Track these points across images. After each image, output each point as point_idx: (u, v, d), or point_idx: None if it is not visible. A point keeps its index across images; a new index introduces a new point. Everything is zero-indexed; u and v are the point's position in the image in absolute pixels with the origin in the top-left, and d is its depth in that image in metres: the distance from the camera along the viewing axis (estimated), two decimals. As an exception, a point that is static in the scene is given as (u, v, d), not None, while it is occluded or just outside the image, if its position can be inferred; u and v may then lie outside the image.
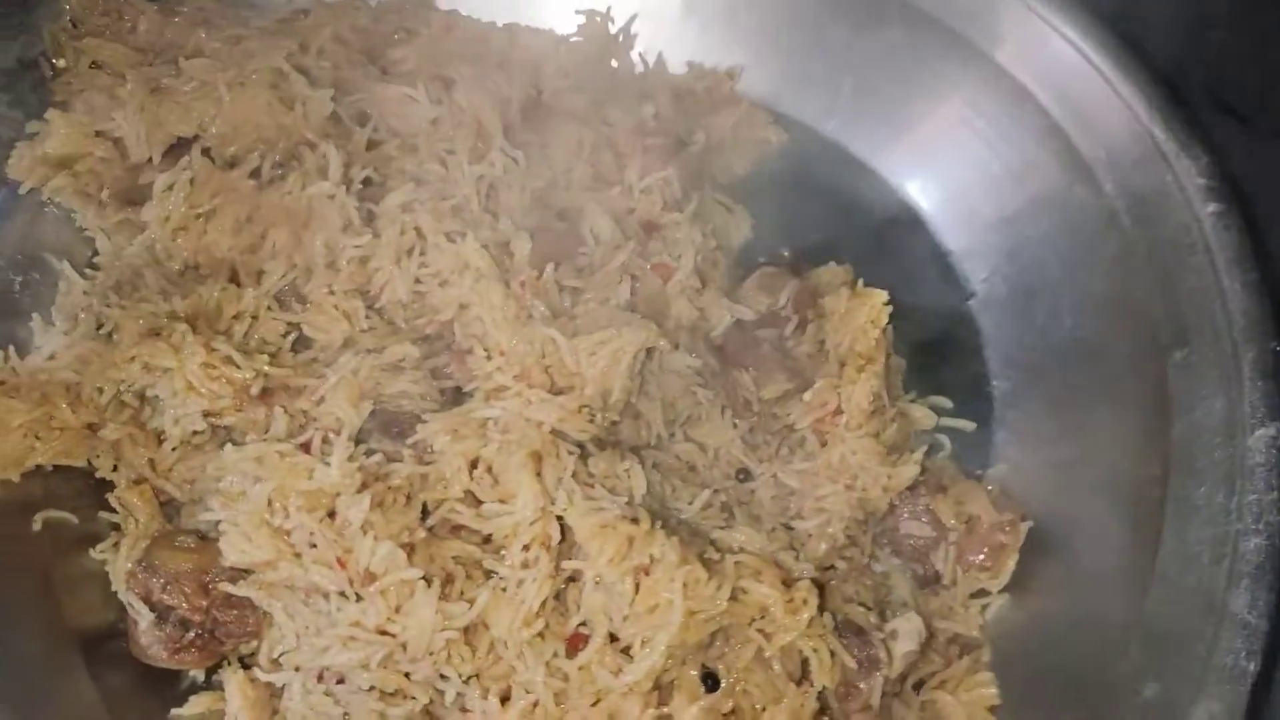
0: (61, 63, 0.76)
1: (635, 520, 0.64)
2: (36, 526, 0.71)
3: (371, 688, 0.63)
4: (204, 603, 0.66)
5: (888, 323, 0.78)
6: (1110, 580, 0.72)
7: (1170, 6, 0.95)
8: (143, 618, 0.66)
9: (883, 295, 0.77)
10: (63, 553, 0.73)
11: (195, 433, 0.69)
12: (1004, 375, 0.84)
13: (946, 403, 0.83)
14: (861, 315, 0.78)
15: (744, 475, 0.78)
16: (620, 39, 0.96)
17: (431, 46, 0.84)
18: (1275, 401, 0.68)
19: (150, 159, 0.74)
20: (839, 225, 0.90)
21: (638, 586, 0.63)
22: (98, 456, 0.73)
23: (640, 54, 0.97)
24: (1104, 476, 0.76)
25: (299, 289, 0.74)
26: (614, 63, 0.96)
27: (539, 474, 0.65)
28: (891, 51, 0.90)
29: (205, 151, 0.75)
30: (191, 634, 0.66)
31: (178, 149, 0.75)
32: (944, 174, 0.90)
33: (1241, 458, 0.68)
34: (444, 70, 0.83)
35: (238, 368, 0.67)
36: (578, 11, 0.95)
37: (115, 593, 0.70)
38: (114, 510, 0.73)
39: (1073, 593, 0.75)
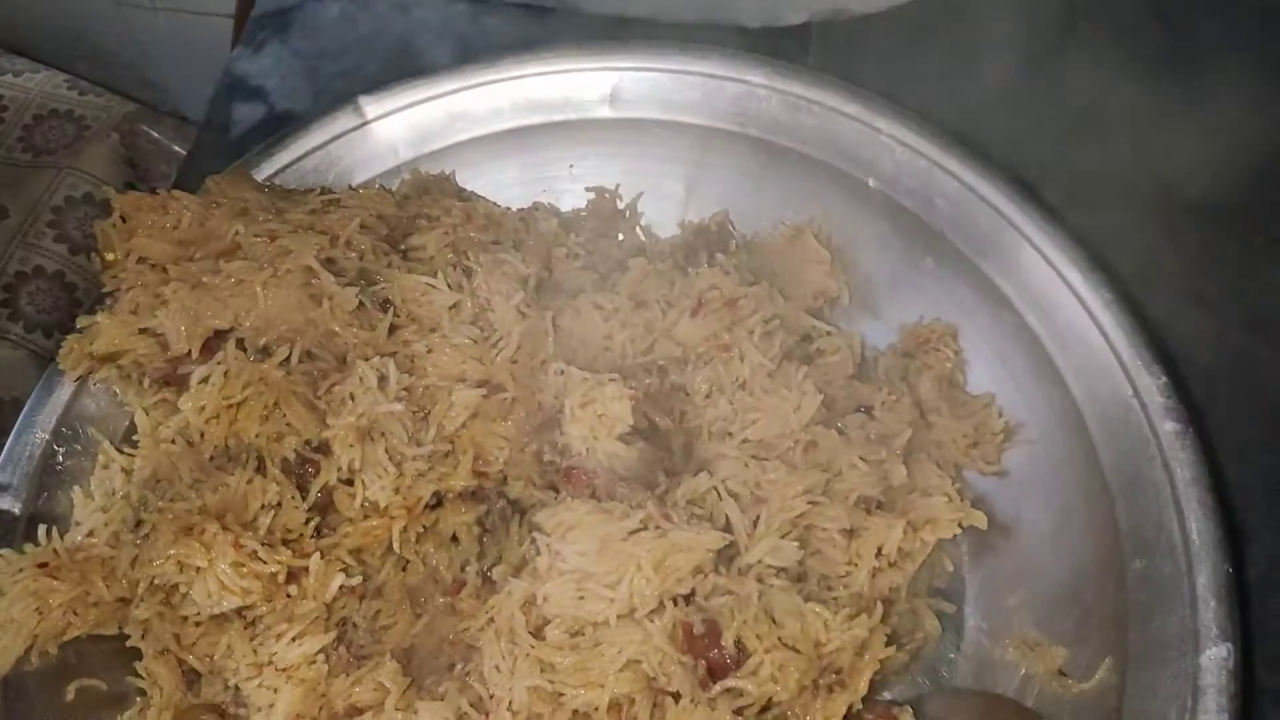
0: (111, 256, 0.83)
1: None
2: (70, 696, 0.77)
3: None
4: (220, 782, 0.72)
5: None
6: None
7: (1151, 197, 1.02)
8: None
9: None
10: (92, 715, 0.78)
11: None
12: (977, 562, 0.89)
13: (950, 607, 0.87)
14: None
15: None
16: (626, 215, 1.03)
17: (452, 234, 0.91)
18: (1226, 623, 0.73)
19: (189, 352, 0.80)
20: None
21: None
22: (127, 624, 0.79)
23: (643, 227, 1.04)
24: (1066, 673, 0.81)
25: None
26: (620, 236, 1.03)
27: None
28: (881, 241, 0.97)
29: (239, 343, 0.82)
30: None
31: (214, 340, 0.82)
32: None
33: (1194, 676, 0.72)
34: (463, 257, 0.89)
35: (264, 562, 0.73)
36: (588, 189, 1.03)
37: (138, 761, 0.76)
38: (140, 676, 0.79)
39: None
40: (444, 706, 0.72)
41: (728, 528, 0.77)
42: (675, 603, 0.74)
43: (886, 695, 0.84)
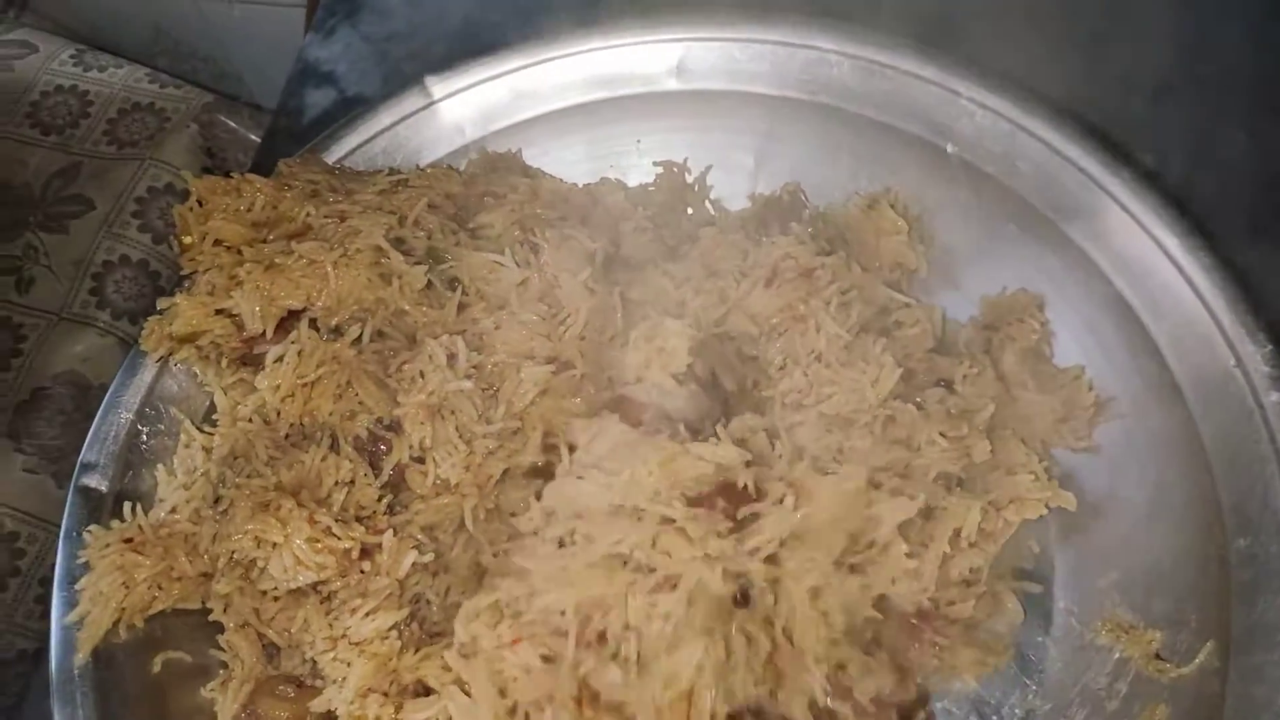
0: (188, 239, 0.84)
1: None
2: (156, 668, 0.79)
3: None
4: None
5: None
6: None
7: (1251, 154, 0.96)
8: (246, 761, 0.74)
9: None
10: (177, 686, 0.80)
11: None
12: (1066, 542, 0.86)
13: (1036, 588, 0.83)
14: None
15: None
16: (695, 189, 1.01)
17: (518, 211, 0.90)
18: (1338, 605, 0.69)
19: (264, 332, 0.81)
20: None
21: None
22: (210, 599, 0.81)
23: (713, 201, 1.02)
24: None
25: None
26: (689, 210, 1.01)
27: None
28: (961, 209, 0.93)
29: (312, 322, 0.83)
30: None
31: (288, 320, 0.83)
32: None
33: (1303, 660, 0.68)
34: (530, 233, 0.89)
35: (338, 538, 0.73)
36: (655, 163, 1.01)
37: (222, 729, 0.78)
38: (222, 649, 0.81)
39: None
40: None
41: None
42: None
43: (973, 682, 0.81)
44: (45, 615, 0.85)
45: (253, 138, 1.41)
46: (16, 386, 1.23)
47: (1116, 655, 0.78)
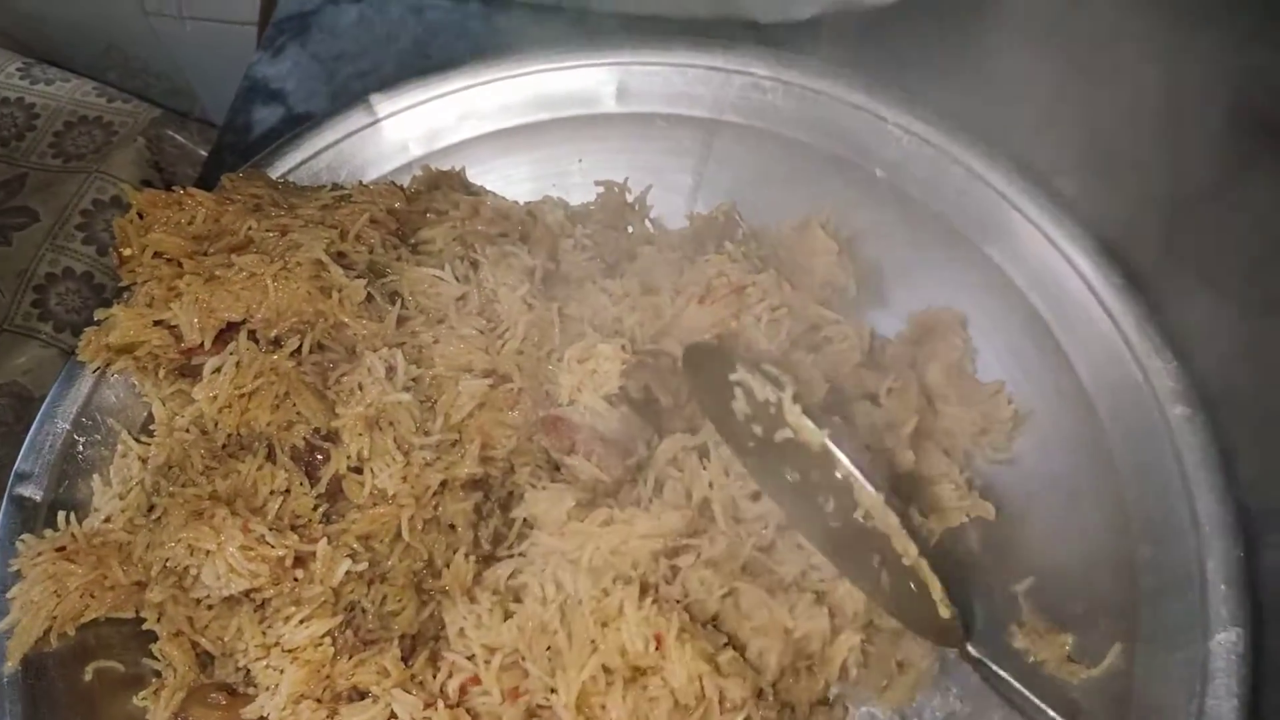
0: (128, 251, 0.85)
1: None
2: (88, 677, 0.79)
3: None
4: (230, 759, 0.73)
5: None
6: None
7: (1163, 180, 1.01)
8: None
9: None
10: (109, 695, 0.80)
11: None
12: (985, 549, 0.88)
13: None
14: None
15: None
16: (635, 208, 1.04)
17: (460, 228, 0.92)
18: (1237, 607, 0.72)
19: (202, 343, 0.82)
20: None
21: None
22: (144, 607, 0.81)
23: (652, 220, 1.04)
24: (1074, 660, 0.80)
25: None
26: (629, 228, 1.04)
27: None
28: (888, 230, 0.96)
29: (251, 334, 0.84)
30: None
31: (226, 332, 0.83)
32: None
33: (1204, 661, 0.71)
34: (471, 249, 0.91)
35: (271, 546, 0.74)
36: (596, 183, 1.04)
37: (153, 738, 0.78)
38: (156, 658, 0.81)
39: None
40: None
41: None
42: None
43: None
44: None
45: (201, 153, 1.42)
46: (-45, 399, 1.22)
47: (1031, 658, 0.81)
